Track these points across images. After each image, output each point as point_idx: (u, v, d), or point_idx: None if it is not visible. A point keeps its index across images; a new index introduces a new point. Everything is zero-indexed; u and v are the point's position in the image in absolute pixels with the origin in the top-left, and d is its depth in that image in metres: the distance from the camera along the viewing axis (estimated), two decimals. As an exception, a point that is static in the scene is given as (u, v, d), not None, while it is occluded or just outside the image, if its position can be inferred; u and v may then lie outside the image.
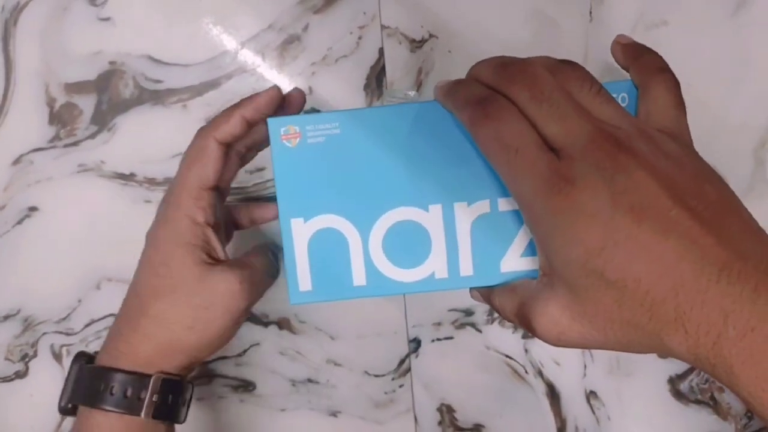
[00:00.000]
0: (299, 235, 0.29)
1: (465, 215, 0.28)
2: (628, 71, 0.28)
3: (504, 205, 0.29)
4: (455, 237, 0.29)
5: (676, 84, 0.26)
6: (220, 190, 0.34)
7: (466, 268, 0.29)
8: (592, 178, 0.22)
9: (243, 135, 0.33)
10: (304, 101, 0.35)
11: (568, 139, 0.23)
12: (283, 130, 0.29)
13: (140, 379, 0.32)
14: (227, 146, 0.32)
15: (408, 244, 0.29)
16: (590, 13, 0.44)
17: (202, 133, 0.32)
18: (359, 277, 0.29)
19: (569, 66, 0.25)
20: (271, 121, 0.29)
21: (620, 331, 0.23)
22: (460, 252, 0.29)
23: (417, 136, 0.29)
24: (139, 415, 0.31)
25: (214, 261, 0.33)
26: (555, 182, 0.22)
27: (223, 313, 0.32)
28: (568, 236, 0.22)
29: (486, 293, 0.30)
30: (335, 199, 0.29)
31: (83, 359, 0.33)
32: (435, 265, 0.29)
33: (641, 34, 0.44)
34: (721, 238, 0.21)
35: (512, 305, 0.27)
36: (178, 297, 0.32)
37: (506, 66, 0.25)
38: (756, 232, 0.22)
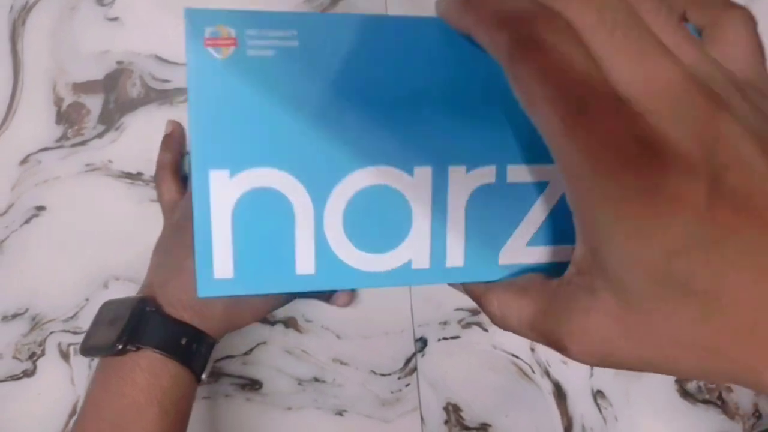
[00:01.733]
0: (220, 195, 0.20)
1: (461, 184, 0.21)
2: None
3: (515, 174, 0.21)
4: (445, 213, 0.21)
5: (754, 22, 0.19)
6: None
7: (454, 256, 0.21)
8: (686, 149, 0.15)
9: None
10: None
11: (649, 88, 0.16)
12: (210, 30, 0.19)
13: (210, 341, 0.35)
14: None
15: (379, 219, 0.21)
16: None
17: None
18: (305, 263, 0.20)
19: None
20: (189, 12, 0.19)
21: (694, 357, 0.17)
22: (448, 234, 0.21)
23: (408, 65, 0.20)
24: (201, 374, 0.35)
25: None
26: (634, 153, 0.15)
27: (271, 306, 0.36)
28: (643, 229, 0.16)
29: (476, 291, 0.22)
30: (280, 147, 0.20)
31: (151, 306, 0.34)
32: (413, 250, 0.21)
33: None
34: None
35: (524, 312, 0.20)
36: None
37: None
38: None
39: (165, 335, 0.33)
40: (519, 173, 0.21)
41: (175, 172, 0.41)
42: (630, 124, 0.16)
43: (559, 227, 0.22)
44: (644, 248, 0.16)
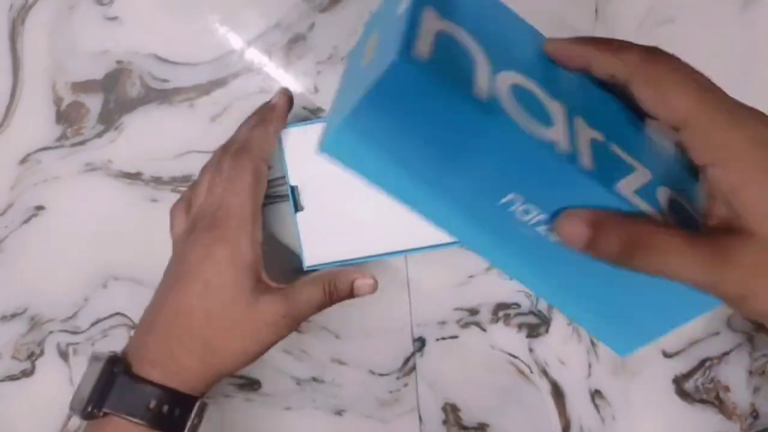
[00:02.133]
0: (428, 25, 0.23)
1: (583, 130, 0.25)
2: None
3: (617, 148, 0.26)
4: (575, 134, 0.25)
5: None
6: None
7: (586, 160, 0.24)
8: None
9: None
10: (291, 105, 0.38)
11: None
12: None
13: (187, 400, 0.32)
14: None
15: (533, 106, 0.24)
16: (596, 11, 0.44)
17: (249, 156, 0.34)
18: (481, 90, 0.23)
19: None
20: None
21: None
22: (580, 143, 0.24)
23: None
24: None
25: (262, 284, 0.34)
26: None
27: (262, 344, 0.33)
28: None
29: (658, 250, 0.23)
30: (480, 24, 0.24)
31: (119, 366, 0.32)
32: (558, 136, 0.24)
33: (648, 30, 0.44)
34: None
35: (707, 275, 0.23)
36: (230, 325, 0.32)
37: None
38: None
39: (131, 399, 0.31)
40: (620, 149, 0.26)
41: (189, 209, 0.39)
42: None
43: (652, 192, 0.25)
44: None
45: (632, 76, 0.24)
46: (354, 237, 0.40)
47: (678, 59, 0.24)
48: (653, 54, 0.24)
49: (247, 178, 0.34)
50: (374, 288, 0.37)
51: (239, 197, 0.33)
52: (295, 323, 0.34)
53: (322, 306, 0.36)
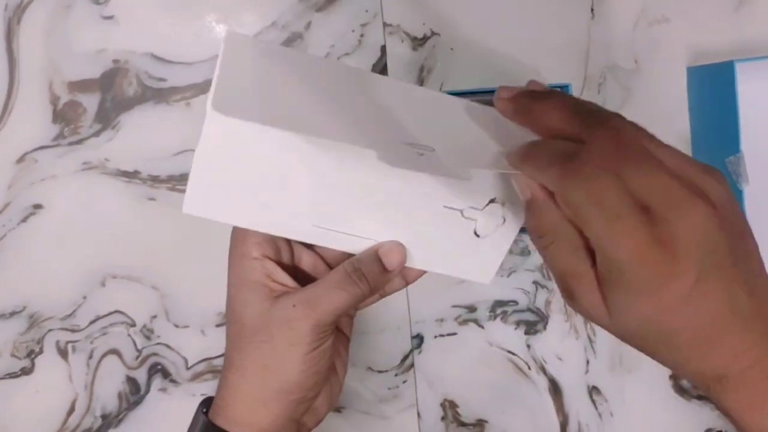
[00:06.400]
0: None
1: None
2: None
3: None
4: None
5: None
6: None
7: None
8: (685, 243, 0.22)
9: None
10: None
11: (656, 197, 0.22)
12: None
13: None
14: None
15: None
16: (592, 10, 0.44)
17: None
18: None
19: (629, 122, 0.24)
20: None
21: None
22: None
23: None
24: None
25: (275, 291, 0.30)
26: (653, 250, 0.22)
27: (286, 344, 0.29)
28: (646, 296, 0.22)
29: (542, 231, 0.26)
30: None
31: (208, 408, 0.31)
32: None
33: (642, 30, 0.44)
34: (753, 294, 0.23)
35: (564, 266, 0.25)
36: (246, 340, 0.30)
37: (587, 113, 0.24)
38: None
39: None
40: None
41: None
42: (650, 230, 0.22)
43: None
44: (644, 307, 0.23)
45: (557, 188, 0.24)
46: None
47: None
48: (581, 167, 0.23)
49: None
50: (402, 252, 0.32)
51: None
52: (316, 306, 0.29)
53: (352, 291, 0.30)
